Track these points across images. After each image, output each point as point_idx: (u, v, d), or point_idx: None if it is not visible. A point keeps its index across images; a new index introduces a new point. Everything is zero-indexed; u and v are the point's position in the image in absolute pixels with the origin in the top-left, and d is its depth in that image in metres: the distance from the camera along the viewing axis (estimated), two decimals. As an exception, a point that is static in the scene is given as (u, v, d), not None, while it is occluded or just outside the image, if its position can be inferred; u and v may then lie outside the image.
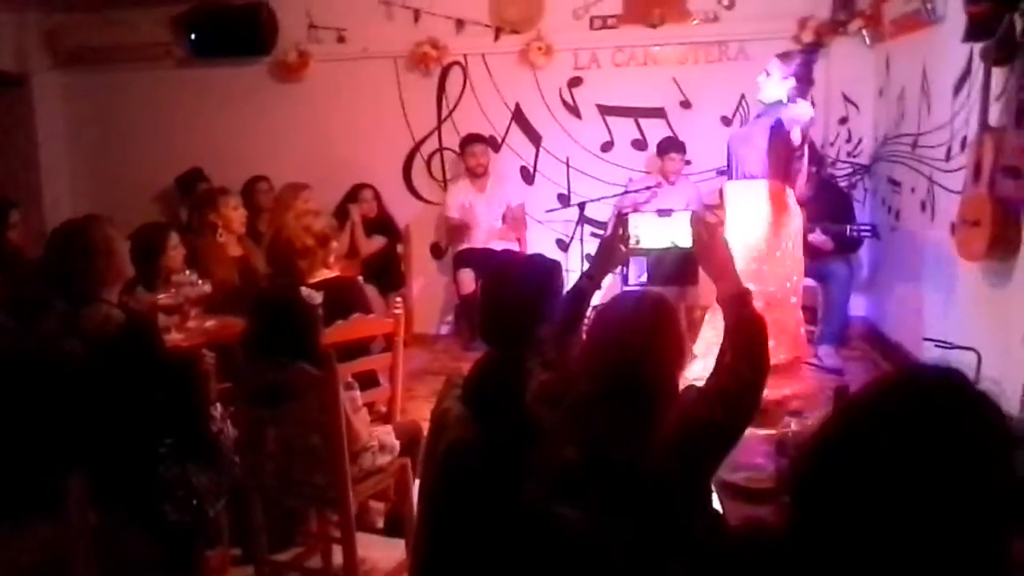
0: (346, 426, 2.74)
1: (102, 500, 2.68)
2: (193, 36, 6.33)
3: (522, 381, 1.86)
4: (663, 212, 1.96)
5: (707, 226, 1.88)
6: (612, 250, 1.98)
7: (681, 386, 1.72)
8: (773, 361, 4.04)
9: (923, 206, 4.66)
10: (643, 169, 6.22)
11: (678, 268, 1.93)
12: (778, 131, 4.28)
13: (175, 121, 6.60)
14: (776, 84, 4.41)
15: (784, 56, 4.53)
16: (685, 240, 1.89)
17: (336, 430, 2.72)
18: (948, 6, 4.24)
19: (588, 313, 1.95)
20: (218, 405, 2.91)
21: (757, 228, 4.26)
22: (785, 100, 4.41)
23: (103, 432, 2.64)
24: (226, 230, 4.74)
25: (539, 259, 2.12)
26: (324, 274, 3.48)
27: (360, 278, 4.40)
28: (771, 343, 3.63)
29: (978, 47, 3.70)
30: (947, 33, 4.26)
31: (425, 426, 3.65)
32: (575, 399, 1.59)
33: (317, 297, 2.91)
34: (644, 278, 1.95)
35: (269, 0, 6.28)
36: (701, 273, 1.90)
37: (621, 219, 1.99)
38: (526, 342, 1.97)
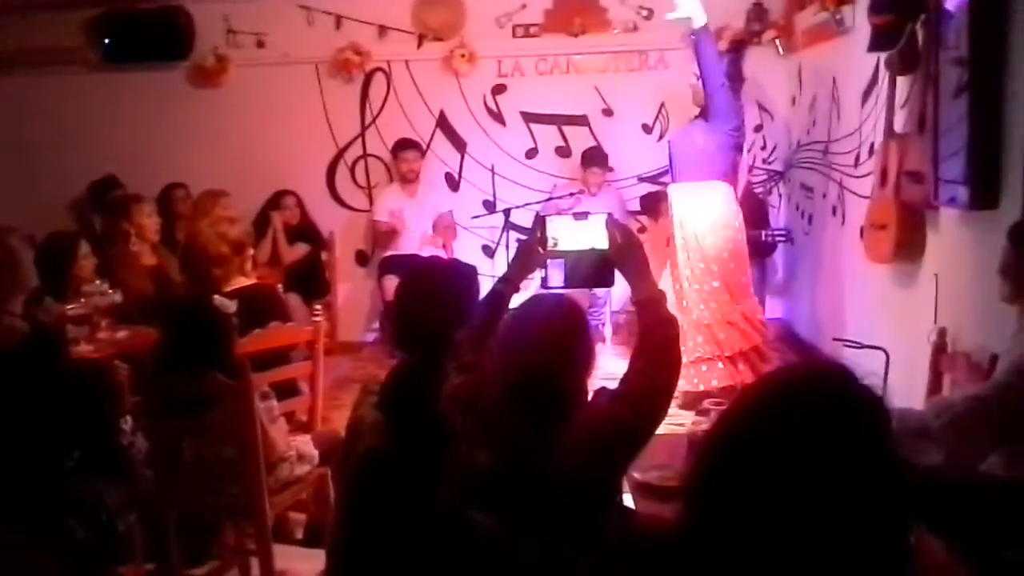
0: (262, 436, 2.70)
1: (3, 518, 2.57)
2: (107, 41, 6.15)
3: (437, 387, 1.85)
4: (579, 215, 1.97)
5: (622, 228, 1.90)
6: (530, 253, 1.99)
7: (591, 388, 1.73)
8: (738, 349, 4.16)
9: (834, 211, 4.80)
10: (567, 176, 6.27)
11: (595, 270, 1.93)
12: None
13: (89, 127, 6.39)
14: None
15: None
16: (602, 242, 1.91)
17: (251, 440, 2.67)
18: (856, 17, 4.39)
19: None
20: (128, 417, 2.83)
21: (707, 228, 4.41)
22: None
23: (3, 447, 2.54)
24: (139, 238, 4.61)
25: (454, 264, 2.12)
26: (240, 282, 3.41)
27: (279, 286, 4.34)
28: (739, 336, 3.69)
29: (883, 57, 3.84)
30: (854, 43, 4.40)
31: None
32: (486, 404, 1.59)
33: (231, 306, 2.85)
34: (561, 281, 1.93)
35: (186, 4, 6.13)
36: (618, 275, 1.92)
37: (539, 221, 2.00)
38: (441, 348, 1.95)
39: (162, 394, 2.88)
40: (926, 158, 3.26)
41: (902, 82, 3.66)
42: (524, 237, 6.37)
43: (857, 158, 4.40)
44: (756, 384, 1.16)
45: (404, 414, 1.93)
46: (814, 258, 5.27)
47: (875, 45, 3.53)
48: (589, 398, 1.72)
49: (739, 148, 4.68)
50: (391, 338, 5.82)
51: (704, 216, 4.43)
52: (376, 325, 6.57)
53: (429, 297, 2.02)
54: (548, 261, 1.96)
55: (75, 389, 2.64)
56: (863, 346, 3.40)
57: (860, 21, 4.35)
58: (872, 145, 4.16)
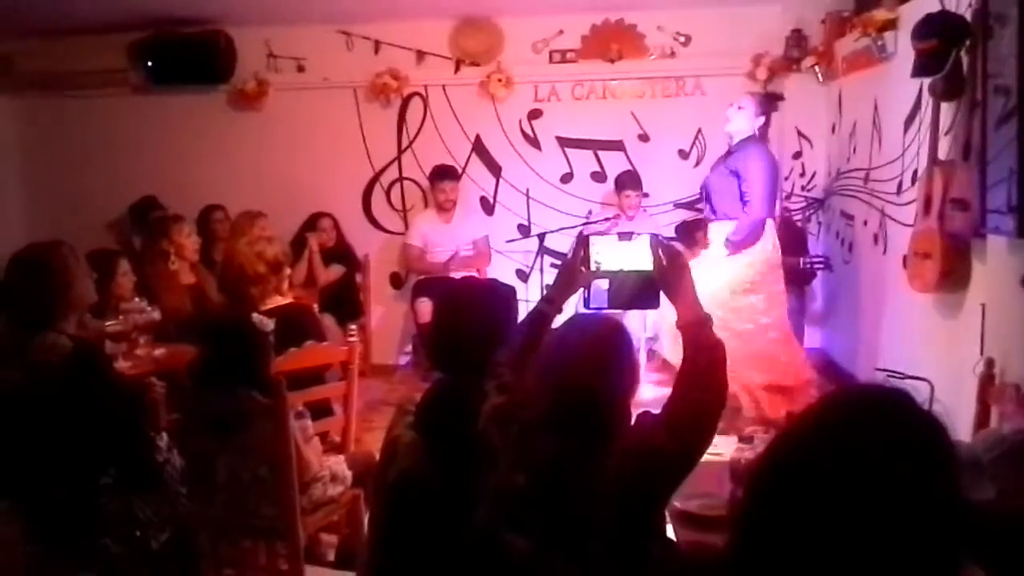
0: (296, 456, 2.68)
1: (39, 534, 2.58)
2: (150, 64, 6.25)
3: (475, 407, 1.82)
4: (624, 235, 1.94)
5: (668, 250, 1.87)
6: (573, 273, 1.96)
7: (635, 411, 1.69)
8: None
9: (875, 239, 4.73)
10: (602, 201, 6.25)
11: (639, 292, 1.89)
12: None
13: (130, 148, 6.50)
14: (747, 118, 4.62)
15: (757, 96, 4.83)
16: (646, 264, 1.88)
17: (286, 459, 2.66)
18: (898, 43, 4.34)
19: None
20: (164, 435, 2.83)
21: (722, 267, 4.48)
22: (756, 134, 4.64)
23: (41, 463, 2.55)
24: (178, 257, 4.68)
25: (493, 284, 2.09)
26: (277, 301, 3.42)
27: (315, 306, 4.35)
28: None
29: (927, 83, 3.79)
30: (897, 70, 4.36)
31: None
32: (525, 424, 1.56)
33: (269, 324, 2.86)
34: (604, 302, 1.90)
35: (228, 29, 6.23)
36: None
37: (582, 242, 1.98)
38: (479, 367, 1.93)
39: (198, 411, 2.88)
40: (972, 186, 3.20)
41: (946, 109, 3.60)
42: (559, 262, 6.37)
43: (900, 185, 4.34)
44: (812, 408, 1.12)
45: (440, 434, 1.91)
46: (855, 287, 5.19)
47: (919, 71, 3.48)
48: (632, 422, 1.68)
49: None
50: (428, 358, 5.80)
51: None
52: (409, 348, 6.57)
53: (467, 316, 2.00)
54: (591, 281, 1.94)
55: (114, 407, 2.64)
56: (906, 376, 3.31)
57: (902, 47, 4.30)
58: (915, 172, 4.10)
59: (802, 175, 5.93)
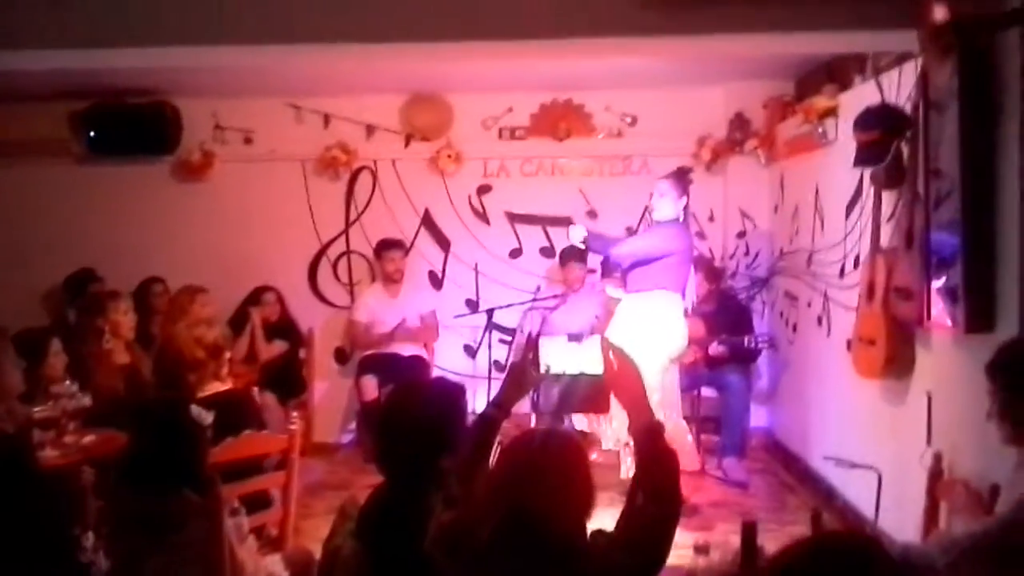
0: (231, 558, 2.54)
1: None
2: (92, 133, 6.13)
3: (421, 519, 1.74)
4: (573, 337, 1.91)
5: (617, 352, 1.83)
6: (522, 375, 1.90)
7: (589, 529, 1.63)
8: None
9: (819, 320, 4.78)
10: (546, 276, 6.26)
11: (590, 395, 1.85)
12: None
13: (69, 218, 6.32)
14: (671, 203, 4.68)
15: (672, 178, 4.84)
16: (595, 366, 1.84)
17: (219, 564, 2.52)
18: (838, 130, 4.45)
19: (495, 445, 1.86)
20: (90, 534, 2.66)
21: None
22: (681, 217, 4.72)
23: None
24: (113, 335, 4.49)
25: (442, 383, 2.02)
26: (215, 387, 3.32)
27: (256, 389, 4.22)
28: None
29: (868, 171, 3.87)
30: (837, 155, 4.46)
31: (319, 555, 3.46)
32: (474, 548, 1.48)
33: (208, 417, 2.73)
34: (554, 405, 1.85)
35: (174, 100, 6.16)
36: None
37: (531, 344, 1.93)
38: (426, 473, 1.86)
39: (125, 508, 2.73)
40: (915, 275, 3.25)
41: (888, 196, 3.68)
42: (507, 338, 6.33)
43: (842, 269, 4.40)
44: (784, 553, 1.07)
45: (384, 548, 1.82)
46: (799, 368, 5.23)
47: (861, 160, 3.56)
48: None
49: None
50: (373, 456, 5.65)
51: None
52: (352, 426, 6.41)
53: (415, 418, 1.92)
54: (540, 384, 1.89)
55: (36, 506, 2.48)
56: (855, 465, 3.32)
57: (843, 133, 4.42)
58: (857, 257, 4.17)
59: (746, 254, 6.02)
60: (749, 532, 1.89)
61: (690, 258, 4.83)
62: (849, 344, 4.22)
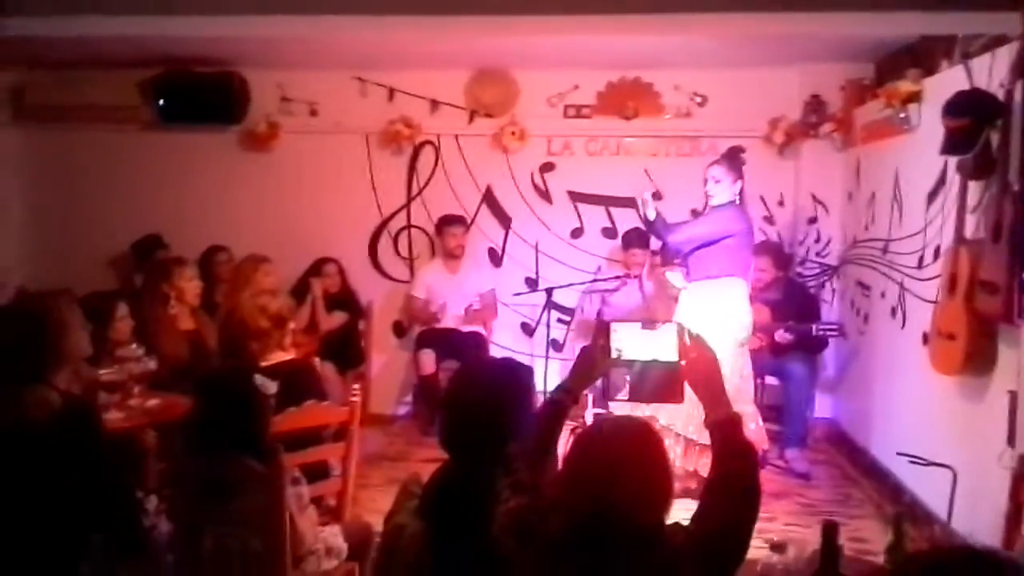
0: (290, 528, 2.54)
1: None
2: (162, 101, 6.20)
3: (487, 502, 1.70)
4: (648, 324, 1.83)
5: (694, 340, 1.76)
6: (592, 361, 1.84)
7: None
8: None
9: (893, 312, 4.62)
10: (612, 257, 6.16)
11: (662, 384, 1.77)
12: None
13: (136, 185, 6.43)
14: (726, 188, 4.61)
15: (725, 162, 4.73)
16: (670, 354, 1.77)
17: (279, 532, 2.52)
18: (922, 116, 4.27)
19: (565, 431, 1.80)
20: (152, 497, 2.69)
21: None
22: (738, 200, 4.64)
23: (23, 527, 2.41)
24: (178, 302, 4.54)
25: (511, 364, 1.96)
26: (279, 356, 3.31)
27: (317, 359, 4.22)
28: None
29: (954, 160, 3.71)
30: (921, 142, 4.28)
31: (377, 528, 3.45)
32: (548, 539, 1.43)
33: (272, 387, 2.74)
34: (625, 393, 1.78)
35: (242, 70, 6.19)
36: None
37: (602, 329, 1.86)
38: (491, 455, 1.81)
39: (189, 474, 2.74)
40: (1002, 268, 3.10)
41: (974, 187, 3.51)
42: (567, 317, 6.27)
43: (921, 260, 4.24)
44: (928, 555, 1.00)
45: (448, 529, 1.78)
46: (869, 359, 5.07)
47: (948, 149, 3.40)
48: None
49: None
50: (434, 414, 5.68)
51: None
52: (409, 398, 6.43)
53: (482, 400, 1.87)
54: (611, 371, 1.82)
55: (103, 470, 2.51)
56: (930, 463, 3.20)
57: (927, 119, 4.24)
58: (938, 248, 4.00)
59: (817, 241, 5.84)
60: (830, 533, 1.81)
61: (751, 240, 4.74)
62: (925, 337, 4.08)
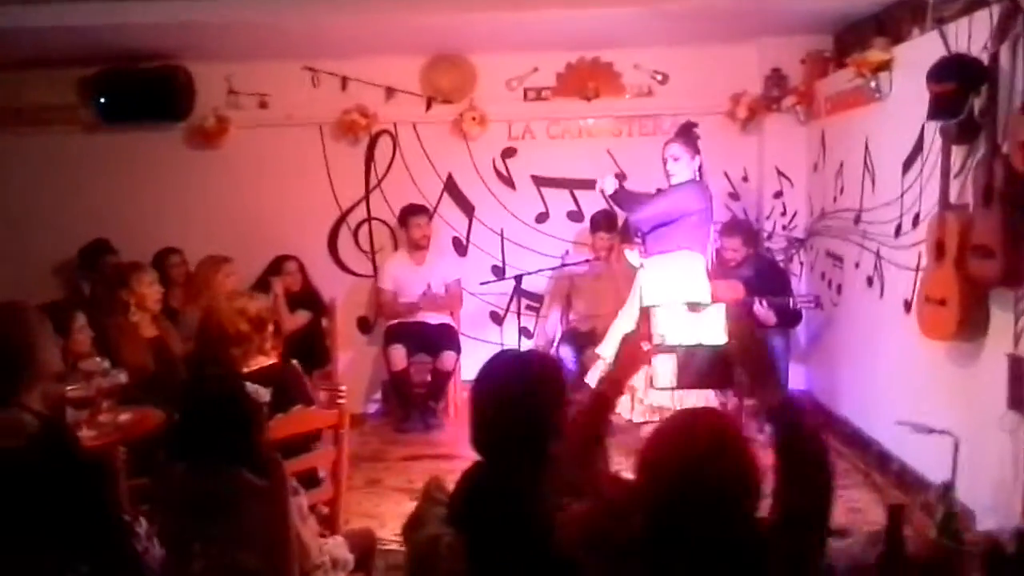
0: (297, 542, 2.40)
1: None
2: (102, 100, 5.90)
3: (529, 505, 1.58)
4: (693, 306, 1.74)
5: (743, 322, 1.67)
6: (636, 349, 1.73)
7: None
8: None
9: (870, 281, 4.62)
10: (579, 241, 6.08)
11: (711, 369, 1.68)
12: None
13: (81, 189, 6.12)
14: (686, 165, 4.67)
15: (681, 139, 4.73)
16: (717, 337, 1.67)
17: (285, 549, 2.37)
18: (893, 84, 4.26)
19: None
20: (143, 520, 2.52)
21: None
22: (697, 176, 4.71)
23: (4, 557, 2.23)
24: (139, 308, 4.32)
25: (539, 356, 1.84)
26: (261, 361, 3.13)
27: (295, 362, 4.04)
28: None
29: (930, 125, 3.70)
30: (892, 110, 4.28)
31: (379, 534, 3.32)
32: (625, 542, 1.32)
33: (265, 394, 2.58)
34: (671, 381, 1.68)
35: (186, 64, 5.92)
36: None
37: (644, 313, 1.76)
38: (530, 455, 1.70)
39: (177, 490, 2.57)
40: (996, 232, 3.08)
41: (957, 151, 3.50)
42: (534, 304, 6.16)
43: (898, 228, 4.23)
44: None
45: (491, 536, 1.66)
46: (844, 329, 5.07)
47: (934, 114, 3.38)
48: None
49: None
50: (408, 410, 5.53)
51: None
52: (378, 395, 6.27)
53: (517, 396, 1.75)
54: (656, 358, 1.72)
55: (88, 493, 2.32)
56: (932, 431, 3.18)
57: (898, 87, 4.23)
58: (917, 216, 4.00)
59: (783, 214, 5.83)
60: (897, 515, 1.74)
61: (710, 217, 4.79)
62: (908, 305, 4.09)
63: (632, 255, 5.04)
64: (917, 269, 3.96)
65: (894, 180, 4.23)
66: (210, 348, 3.05)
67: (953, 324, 3.39)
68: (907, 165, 4.10)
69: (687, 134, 4.85)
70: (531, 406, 1.72)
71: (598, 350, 4.85)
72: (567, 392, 1.77)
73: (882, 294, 4.46)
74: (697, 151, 4.72)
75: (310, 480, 3.13)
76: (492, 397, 1.79)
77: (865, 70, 4.26)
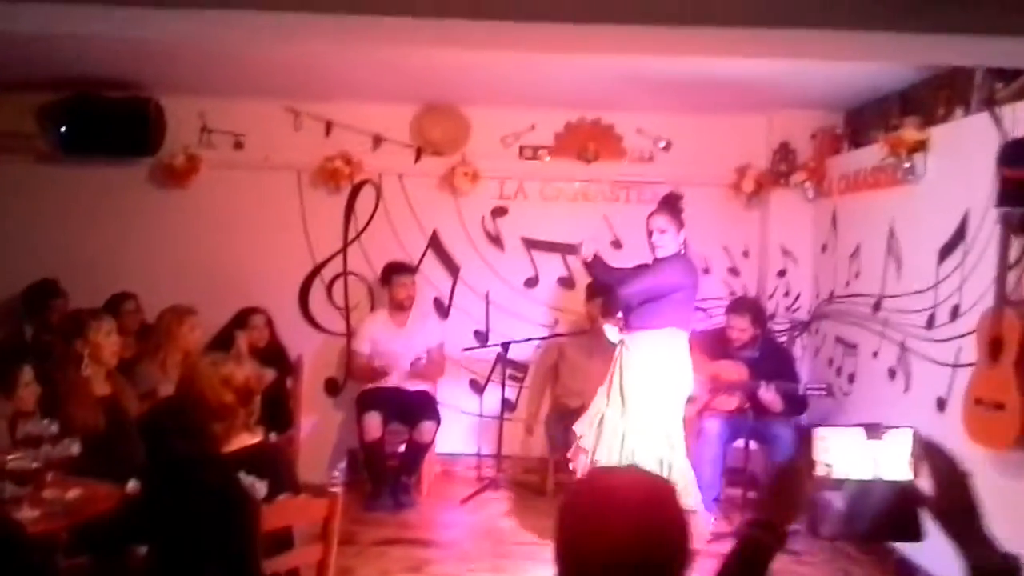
0: None
1: None
2: (63, 128, 5.42)
3: None
4: (873, 429, 1.38)
5: (943, 455, 1.31)
6: (797, 482, 1.36)
7: None
8: None
9: (892, 374, 4.33)
10: (569, 308, 5.72)
11: (892, 513, 1.31)
12: None
13: (29, 223, 5.58)
14: (673, 238, 4.39)
15: (667, 211, 4.43)
16: (900, 471, 1.31)
17: None
18: (928, 166, 4.03)
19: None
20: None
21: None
22: (682, 251, 4.45)
23: None
24: (94, 361, 3.81)
25: (648, 486, 1.39)
26: (244, 440, 2.67)
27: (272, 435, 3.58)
28: None
29: (975, 211, 3.46)
30: (926, 193, 4.05)
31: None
32: None
33: (262, 489, 2.14)
34: (838, 526, 1.29)
35: (158, 96, 5.49)
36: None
37: (804, 435, 1.39)
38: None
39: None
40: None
41: (1015, 242, 3.25)
42: (518, 374, 5.76)
43: (931, 319, 3.96)
44: None
45: None
46: (855, 422, 4.76)
47: (1004, 200, 3.13)
48: None
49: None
50: (380, 487, 4.99)
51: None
52: (343, 465, 5.73)
53: (626, 550, 1.32)
54: (819, 494, 1.34)
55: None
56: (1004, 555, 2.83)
57: (934, 170, 4.01)
58: (956, 307, 3.73)
59: (786, 295, 5.57)
60: None
61: (696, 294, 4.55)
62: (941, 403, 3.80)
63: (611, 331, 4.70)
64: (955, 365, 3.68)
65: (927, 267, 3.98)
66: (186, 421, 2.58)
67: (1014, 431, 3.09)
68: (944, 253, 3.85)
69: (672, 206, 4.55)
70: (657, 557, 1.29)
71: (576, 428, 4.48)
72: (690, 537, 1.35)
73: (907, 388, 4.17)
74: (682, 224, 4.43)
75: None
76: (601, 545, 1.35)
77: (901, 150, 4.03)
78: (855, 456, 1.37)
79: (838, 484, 1.35)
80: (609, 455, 4.26)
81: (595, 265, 4.60)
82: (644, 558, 1.25)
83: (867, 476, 1.35)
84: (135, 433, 3.68)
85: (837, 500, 1.34)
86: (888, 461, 1.35)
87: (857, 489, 1.35)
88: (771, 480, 1.44)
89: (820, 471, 1.36)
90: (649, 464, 4.15)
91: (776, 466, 1.34)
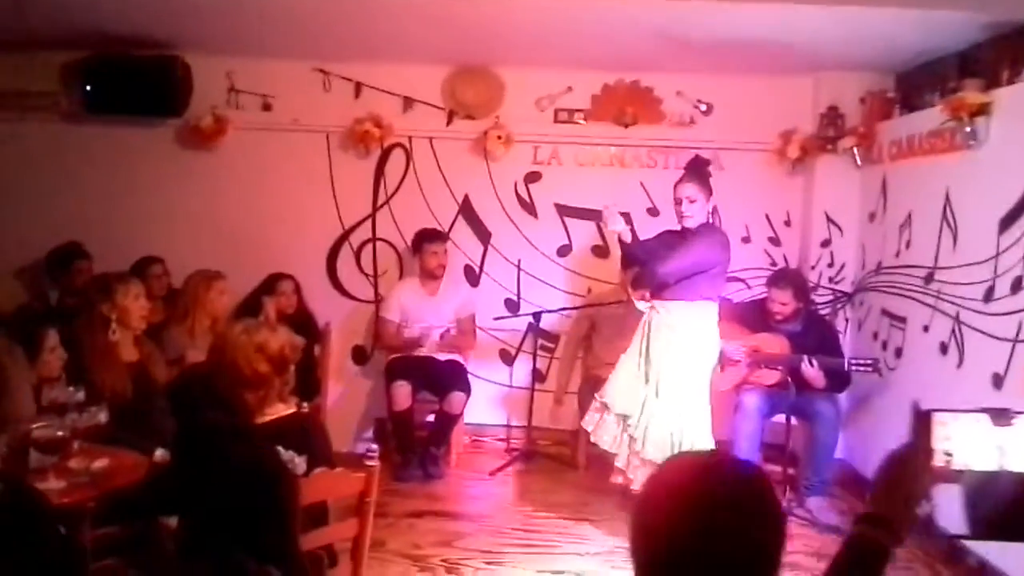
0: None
1: None
2: (88, 87, 5.30)
3: None
4: (1000, 415, 1.22)
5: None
6: (915, 473, 1.21)
7: None
8: None
9: (943, 348, 4.15)
10: (602, 279, 5.55)
11: (1016, 509, 1.16)
12: None
13: (54, 184, 5.50)
14: (702, 207, 4.24)
15: (696, 178, 4.26)
16: None
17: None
18: (991, 131, 3.82)
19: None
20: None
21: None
22: (710, 220, 4.35)
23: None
24: (121, 326, 3.71)
25: (742, 480, 1.23)
26: (278, 410, 2.56)
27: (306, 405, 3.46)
28: None
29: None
30: (986, 159, 3.84)
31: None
32: None
33: (301, 464, 2.02)
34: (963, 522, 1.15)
35: (186, 55, 5.35)
36: None
37: (922, 419, 1.24)
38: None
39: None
40: None
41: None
42: (549, 344, 5.63)
43: (989, 292, 3.78)
44: None
45: None
46: (905, 398, 4.58)
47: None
48: None
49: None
50: (409, 456, 4.89)
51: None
52: (369, 434, 5.68)
53: (724, 537, 1.19)
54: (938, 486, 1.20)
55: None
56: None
57: (996, 136, 3.80)
58: (1019, 279, 3.55)
59: (830, 265, 5.37)
60: None
61: (729, 266, 4.40)
62: (998, 379, 3.63)
63: (642, 304, 4.52)
64: (1016, 340, 3.51)
65: (987, 238, 3.78)
66: (219, 390, 2.47)
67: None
68: (1006, 223, 3.65)
69: (700, 172, 4.35)
70: (748, 551, 1.16)
71: (605, 398, 4.33)
72: (785, 534, 1.21)
73: (961, 363, 3.99)
74: (711, 191, 4.25)
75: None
76: (688, 543, 1.21)
77: (963, 113, 3.82)
78: (979, 444, 1.21)
79: (957, 475, 1.20)
80: (627, 423, 4.18)
81: (629, 241, 4.41)
82: (738, 552, 1.12)
83: (991, 467, 1.20)
84: (164, 401, 3.61)
85: (956, 492, 1.20)
86: (1016, 450, 1.20)
87: (979, 481, 1.20)
88: (883, 470, 1.28)
89: (940, 461, 1.21)
90: (661, 434, 4.06)
91: (889, 453, 1.21)
